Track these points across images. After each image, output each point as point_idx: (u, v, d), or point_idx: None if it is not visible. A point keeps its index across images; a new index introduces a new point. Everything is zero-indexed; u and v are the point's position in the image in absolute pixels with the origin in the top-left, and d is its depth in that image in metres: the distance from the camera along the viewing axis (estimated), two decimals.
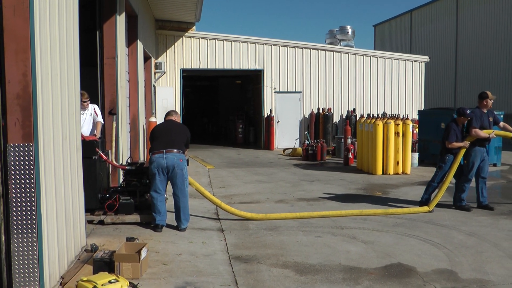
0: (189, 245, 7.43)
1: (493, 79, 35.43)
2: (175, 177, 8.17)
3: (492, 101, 10.31)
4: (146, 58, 17.84)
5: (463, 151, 10.07)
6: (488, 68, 36.09)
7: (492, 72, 35.71)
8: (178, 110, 21.25)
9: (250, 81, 26.98)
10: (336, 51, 23.71)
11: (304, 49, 23.01)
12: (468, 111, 10.14)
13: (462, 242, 7.84)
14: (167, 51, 21.82)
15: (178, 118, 8.91)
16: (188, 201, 8.38)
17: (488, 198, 10.53)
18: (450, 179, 10.24)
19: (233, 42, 22.32)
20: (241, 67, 22.56)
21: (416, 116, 21.02)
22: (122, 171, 9.67)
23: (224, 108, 32.83)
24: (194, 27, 22.06)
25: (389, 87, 23.85)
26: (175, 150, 8.18)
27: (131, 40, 13.97)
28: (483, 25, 37.04)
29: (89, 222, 8.31)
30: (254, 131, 25.22)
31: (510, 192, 12.57)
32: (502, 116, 16.50)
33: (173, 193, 8.30)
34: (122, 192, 8.90)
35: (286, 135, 22.70)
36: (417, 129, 18.83)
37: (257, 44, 22.54)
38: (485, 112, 10.24)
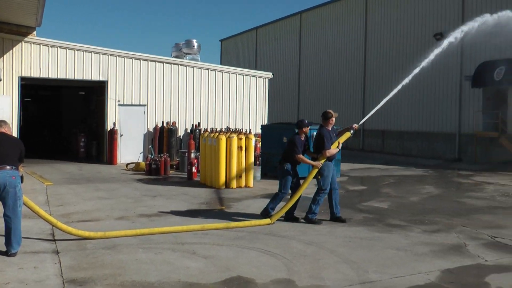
0: (19, 272, 6.93)
1: (332, 95, 37.60)
2: (7, 196, 7.58)
3: (335, 118, 10.88)
4: None
5: (315, 170, 10.46)
6: (328, 86, 38.26)
7: (331, 89, 37.88)
8: (16, 121, 20.01)
9: (94, 93, 26.15)
10: (181, 65, 23.76)
11: (149, 61, 22.79)
12: (306, 121, 10.77)
13: (301, 251, 8.18)
14: (4, 56, 20.37)
15: (8, 130, 8.18)
16: (20, 222, 7.78)
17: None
18: (299, 195, 10.57)
19: (76, 51, 21.47)
20: (84, 78, 21.76)
21: (260, 130, 21.61)
22: None
23: (67, 120, 31.49)
24: (35, 32, 20.86)
25: (234, 101, 24.33)
26: (7, 167, 7.61)
27: None
28: (323, 46, 39.25)
29: None
30: (97, 145, 24.41)
31: (348, 201, 13.34)
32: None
33: (4, 214, 7.67)
34: None
35: (130, 149, 22.20)
36: (260, 143, 19.36)
37: (101, 55, 21.91)
38: (330, 129, 10.78)
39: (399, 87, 12.19)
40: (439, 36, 27.98)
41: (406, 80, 12.24)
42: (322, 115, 10.86)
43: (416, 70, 12.40)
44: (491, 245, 8.86)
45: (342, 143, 10.96)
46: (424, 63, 12.61)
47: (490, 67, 24.79)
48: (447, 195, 15.08)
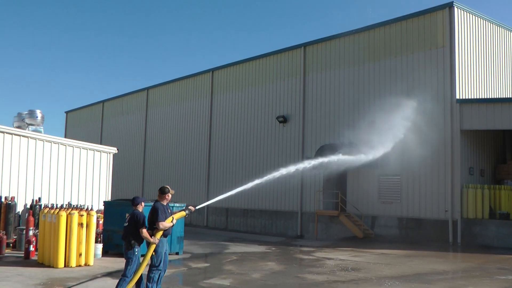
0: None
1: (177, 172, 38.08)
2: None
3: (171, 195, 11.19)
4: None
5: (153, 247, 10.48)
6: (173, 163, 38.81)
7: (176, 166, 38.40)
8: None
9: None
10: (23, 136, 22.89)
11: None
12: (141, 197, 10.95)
13: None
14: None
15: None
16: None
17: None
18: (139, 274, 10.54)
19: None
20: None
21: (102, 207, 21.33)
22: None
23: None
24: None
25: (77, 176, 23.78)
26: None
27: None
28: (169, 123, 40.06)
29: None
30: None
31: (190, 279, 13.57)
32: (183, 207, 17.79)
33: None
34: None
35: None
36: (102, 220, 19.10)
37: None
38: (165, 204, 11.03)
39: (244, 188, 13.06)
40: (282, 119, 29.90)
41: (249, 185, 13.22)
42: (159, 189, 11.05)
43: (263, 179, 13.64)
44: None
45: (178, 219, 11.29)
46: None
47: (329, 149, 26.70)
48: (289, 271, 15.79)
